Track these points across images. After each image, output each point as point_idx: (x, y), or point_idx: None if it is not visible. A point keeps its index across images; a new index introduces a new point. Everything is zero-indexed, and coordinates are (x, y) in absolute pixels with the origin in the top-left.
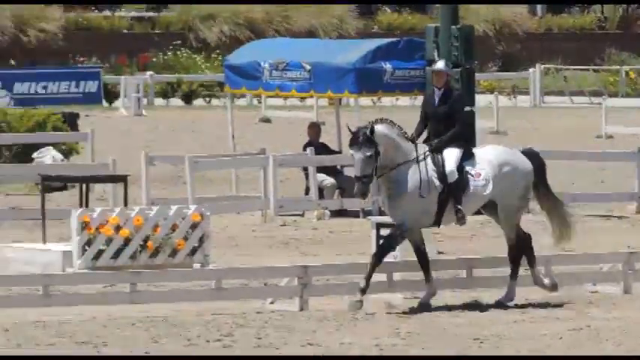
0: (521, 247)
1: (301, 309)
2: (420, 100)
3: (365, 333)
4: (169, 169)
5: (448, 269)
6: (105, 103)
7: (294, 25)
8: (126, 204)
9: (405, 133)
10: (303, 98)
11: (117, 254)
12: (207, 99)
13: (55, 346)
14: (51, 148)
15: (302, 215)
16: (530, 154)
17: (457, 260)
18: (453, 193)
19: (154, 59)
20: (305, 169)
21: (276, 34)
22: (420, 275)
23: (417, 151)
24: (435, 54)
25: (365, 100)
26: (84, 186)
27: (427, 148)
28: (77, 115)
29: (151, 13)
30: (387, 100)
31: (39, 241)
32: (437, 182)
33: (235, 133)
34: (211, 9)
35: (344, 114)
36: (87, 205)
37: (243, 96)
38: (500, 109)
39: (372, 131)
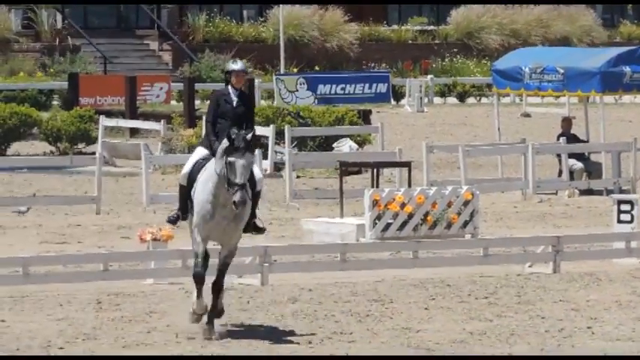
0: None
1: (554, 272)
2: None
3: (607, 291)
4: (446, 156)
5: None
6: (393, 102)
7: (551, 33)
8: (409, 185)
9: None
10: (557, 97)
11: (402, 227)
12: (478, 98)
13: (350, 303)
14: (348, 139)
15: (555, 194)
16: None
17: None
18: (255, 202)
19: (434, 65)
20: (558, 156)
21: (537, 41)
22: None
23: None
24: None
25: (608, 98)
26: (375, 170)
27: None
28: (370, 112)
29: (432, 27)
30: (626, 98)
31: (337, 216)
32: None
33: (500, 126)
34: (482, 22)
35: (590, 110)
36: (377, 186)
37: (507, 95)
38: None
39: (254, 137)
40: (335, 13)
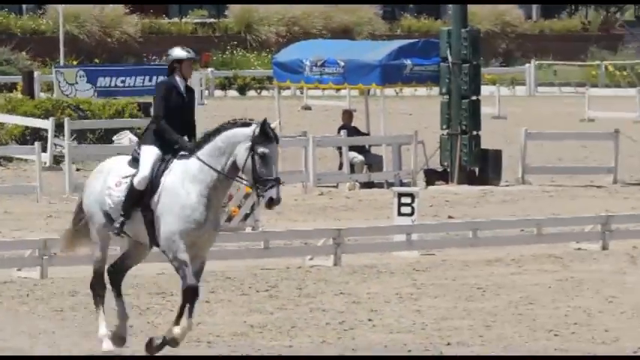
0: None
1: (335, 264)
2: (435, 90)
3: (387, 284)
4: None
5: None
6: None
7: (333, 23)
8: None
9: None
10: (337, 89)
11: None
12: (259, 91)
13: (130, 296)
14: (128, 131)
15: (336, 187)
16: None
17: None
18: None
19: (214, 58)
20: (339, 148)
21: (318, 33)
22: (435, 235)
23: None
24: (448, 52)
25: (389, 91)
26: None
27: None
28: (150, 105)
29: (212, 20)
30: (407, 91)
31: None
32: None
33: (282, 119)
34: (262, 13)
35: (371, 102)
36: None
37: (288, 88)
38: (501, 98)
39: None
40: (116, 7)
